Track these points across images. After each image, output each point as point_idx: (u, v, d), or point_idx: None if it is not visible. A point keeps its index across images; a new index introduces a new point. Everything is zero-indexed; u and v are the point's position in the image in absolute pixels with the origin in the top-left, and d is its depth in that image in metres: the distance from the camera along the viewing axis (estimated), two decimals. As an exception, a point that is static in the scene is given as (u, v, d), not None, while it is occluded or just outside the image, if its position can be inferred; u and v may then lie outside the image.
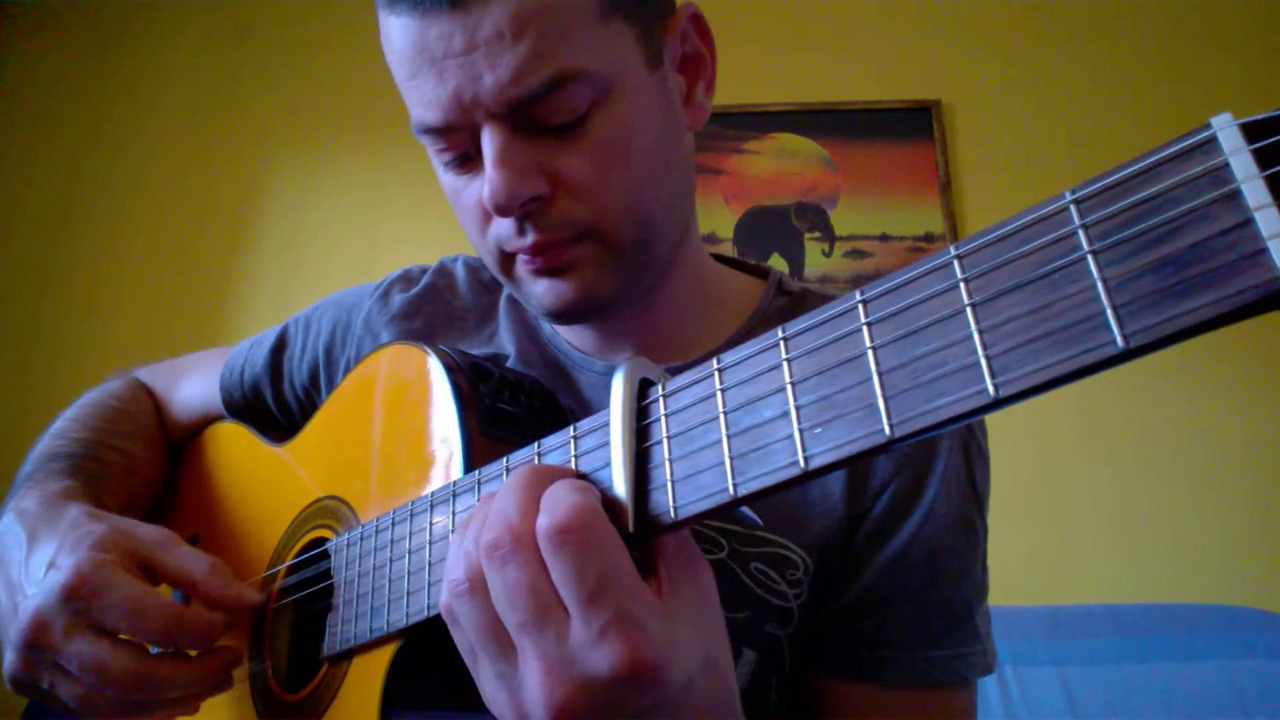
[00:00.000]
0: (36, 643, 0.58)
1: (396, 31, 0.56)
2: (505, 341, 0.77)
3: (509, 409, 0.62)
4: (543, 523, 0.38)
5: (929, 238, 2.28)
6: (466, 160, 0.60)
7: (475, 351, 0.76)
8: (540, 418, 0.64)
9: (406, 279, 0.85)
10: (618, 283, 0.62)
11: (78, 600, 0.58)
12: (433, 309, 0.82)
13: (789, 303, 0.74)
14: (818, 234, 2.31)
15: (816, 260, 2.28)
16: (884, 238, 2.29)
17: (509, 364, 0.75)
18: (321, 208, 2.47)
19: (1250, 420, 2.04)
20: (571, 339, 0.75)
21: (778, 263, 2.30)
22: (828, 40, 2.49)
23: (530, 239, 0.59)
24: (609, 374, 0.71)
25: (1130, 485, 2.03)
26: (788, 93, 2.39)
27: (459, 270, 0.85)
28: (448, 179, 0.62)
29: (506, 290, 0.82)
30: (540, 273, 0.61)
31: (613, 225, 0.60)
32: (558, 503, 0.39)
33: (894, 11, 2.53)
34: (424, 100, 0.56)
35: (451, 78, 0.54)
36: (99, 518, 0.66)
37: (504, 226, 0.60)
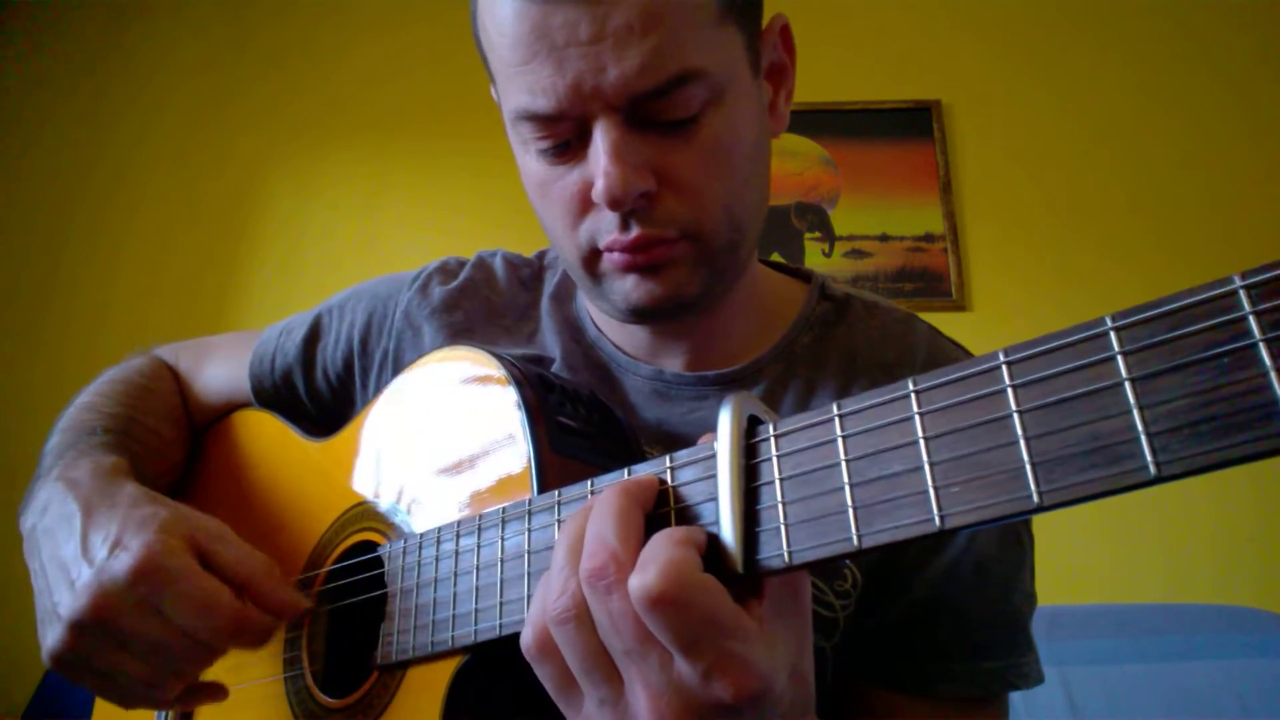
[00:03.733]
0: (99, 621, 0.57)
1: (510, 15, 0.55)
2: (549, 342, 0.77)
3: (573, 423, 0.61)
4: (634, 584, 0.38)
5: (929, 238, 2.30)
6: (564, 150, 0.59)
7: (517, 350, 0.76)
8: (601, 431, 0.64)
9: (445, 271, 0.85)
10: (705, 283, 0.63)
11: (147, 584, 0.57)
12: (472, 303, 0.81)
13: (832, 309, 0.75)
14: (818, 234, 2.32)
15: (816, 260, 2.29)
16: (884, 238, 2.31)
17: (554, 367, 0.75)
18: (322, 202, 2.46)
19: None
20: (619, 341, 0.75)
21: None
22: (827, 40, 2.49)
23: (634, 234, 0.59)
24: (655, 379, 0.72)
25: (1127, 488, 2.07)
26: (788, 92, 2.39)
27: (498, 265, 0.84)
28: (538, 168, 0.61)
29: (549, 289, 0.81)
30: (632, 269, 0.61)
31: (711, 226, 0.61)
32: (650, 560, 0.39)
33: (894, 11, 2.54)
34: (536, 86, 0.55)
35: (572, 66, 0.54)
36: (158, 500, 0.65)
37: (605, 221, 0.60)
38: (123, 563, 0.57)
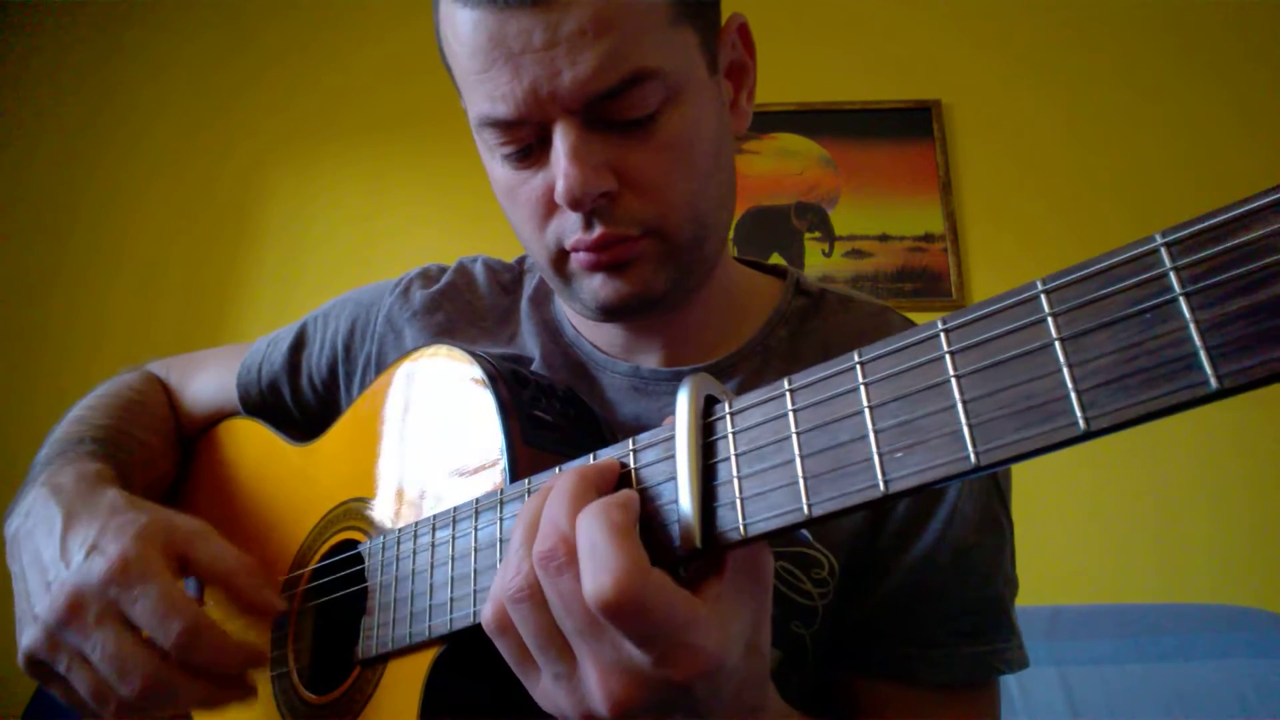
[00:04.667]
0: (68, 623, 0.57)
1: (468, 25, 0.56)
2: (529, 344, 0.78)
3: (546, 417, 0.62)
4: (589, 589, 0.39)
5: (929, 238, 2.29)
6: (528, 154, 0.60)
7: (496, 350, 0.77)
8: (575, 425, 0.65)
9: (426, 276, 0.86)
10: (671, 280, 0.64)
11: (116, 588, 0.57)
12: (453, 306, 0.83)
13: (808, 303, 0.76)
14: (818, 234, 2.33)
15: (816, 260, 2.29)
16: (884, 238, 2.31)
17: (534, 367, 0.76)
18: (323, 201, 2.47)
19: (1250, 420, 2.07)
20: (596, 340, 0.76)
21: (777, 263, 2.29)
22: (828, 40, 2.50)
23: (596, 233, 0.60)
24: (633, 375, 0.73)
25: (1130, 485, 2.06)
26: (788, 93, 2.40)
27: (478, 270, 0.86)
28: (504, 173, 0.63)
29: (528, 292, 0.83)
30: (598, 268, 0.62)
31: (675, 223, 0.62)
32: (602, 567, 0.39)
33: (894, 11, 2.54)
34: (495, 94, 0.57)
35: (528, 72, 0.55)
36: (139, 505, 0.65)
37: (569, 221, 0.61)
38: (97, 566, 0.58)
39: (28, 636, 0.60)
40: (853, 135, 2.40)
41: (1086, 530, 2.03)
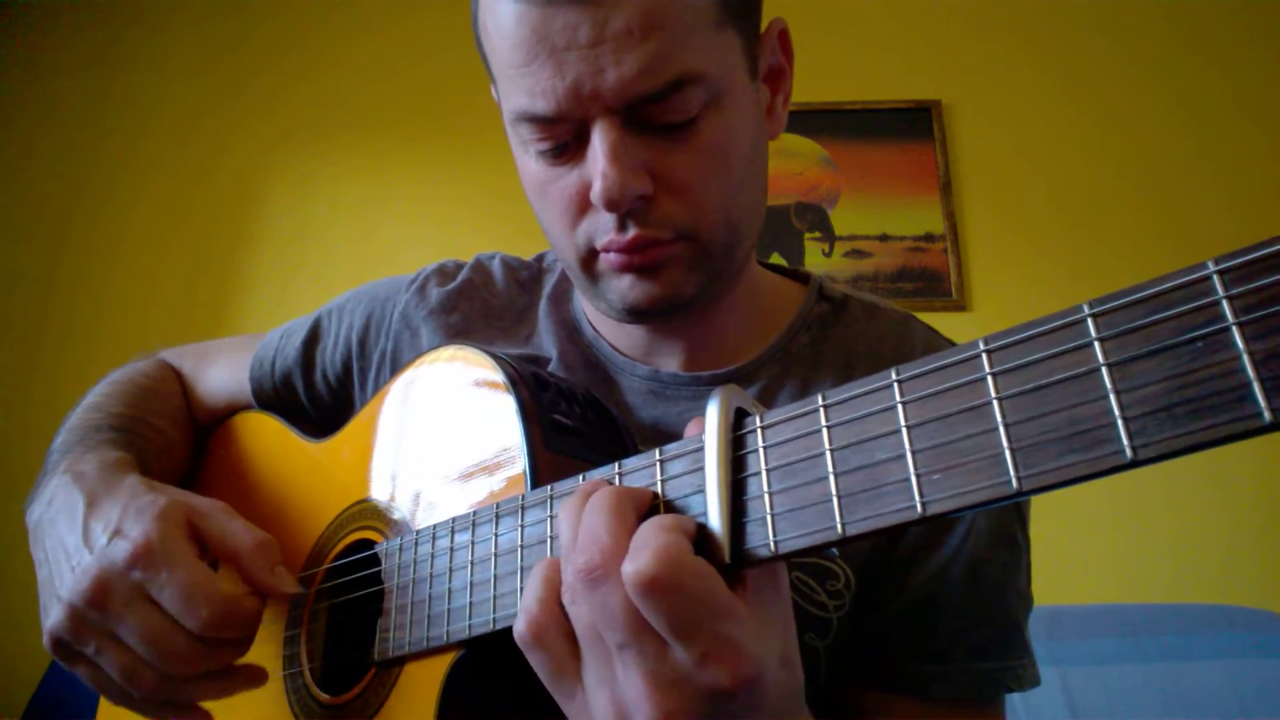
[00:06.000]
0: (96, 604, 0.58)
1: (510, 16, 0.55)
2: (546, 343, 0.78)
3: (567, 421, 0.62)
4: (628, 570, 0.38)
5: (929, 238, 2.30)
6: (563, 151, 0.60)
7: (513, 350, 0.76)
8: (595, 429, 0.65)
9: (443, 273, 0.85)
10: (701, 284, 0.64)
11: (142, 570, 0.57)
12: (470, 305, 0.82)
13: (830, 309, 0.75)
14: (818, 234, 2.33)
15: (816, 260, 2.30)
16: (884, 238, 2.31)
17: (551, 367, 0.76)
18: (321, 198, 2.47)
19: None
20: (615, 341, 0.76)
21: (777, 263, 2.31)
22: (828, 40, 2.50)
23: (630, 234, 0.59)
24: (652, 379, 0.72)
25: (1131, 485, 2.06)
26: (788, 92, 2.40)
27: (496, 268, 0.85)
28: (537, 169, 0.62)
29: (547, 290, 0.82)
30: (629, 269, 0.62)
31: (708, 228, 0.61)
32: (642, 546, 0.38)
33: (894, 11, 2.54)
34: (536, 89, 0.56)
35: (572, 69, 0.54)
36: (158, 488, 0.66)
37: (601, 221, 0.60)
38: (121, 549, 0.58)
39: (53, 618, 0.60)
40: (853, 135, 2.40)
41: (1087, 530, 2.03)
